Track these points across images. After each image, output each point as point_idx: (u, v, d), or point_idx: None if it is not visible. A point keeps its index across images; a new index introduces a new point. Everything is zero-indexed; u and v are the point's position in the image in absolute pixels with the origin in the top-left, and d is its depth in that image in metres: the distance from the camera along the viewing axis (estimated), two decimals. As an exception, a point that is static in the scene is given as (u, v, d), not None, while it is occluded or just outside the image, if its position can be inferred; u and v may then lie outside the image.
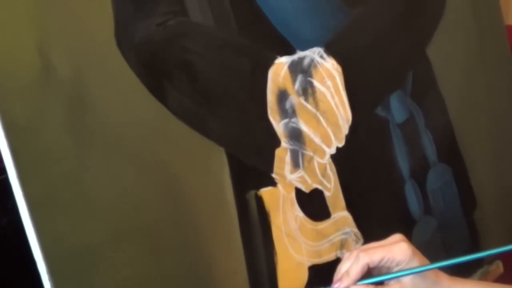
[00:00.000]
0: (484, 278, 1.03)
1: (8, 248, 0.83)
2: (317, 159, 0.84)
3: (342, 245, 0.85)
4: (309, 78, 0.83)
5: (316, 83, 0.83)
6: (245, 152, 0.78)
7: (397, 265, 0.67)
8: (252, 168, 0.79)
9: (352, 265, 0.67)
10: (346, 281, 0.67)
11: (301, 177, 0.82)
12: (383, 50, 0.92)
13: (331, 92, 0.84)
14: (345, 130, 0.86)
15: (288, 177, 0.81)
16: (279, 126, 0.80)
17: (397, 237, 0.69)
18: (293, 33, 0.82)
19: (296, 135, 0.82)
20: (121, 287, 0.68)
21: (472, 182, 1.03)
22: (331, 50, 0.84)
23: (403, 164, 0.93)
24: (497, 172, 1.07)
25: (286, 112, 0.81)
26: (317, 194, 0.83)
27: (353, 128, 0.86)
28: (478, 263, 1.03)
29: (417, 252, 0.69)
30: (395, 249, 0.67)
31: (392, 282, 0.69)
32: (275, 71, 0.80)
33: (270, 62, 0.80)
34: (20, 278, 0.78)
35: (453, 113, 1.01)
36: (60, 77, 0.65)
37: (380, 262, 0.67)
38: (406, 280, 0.68)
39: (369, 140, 0.90)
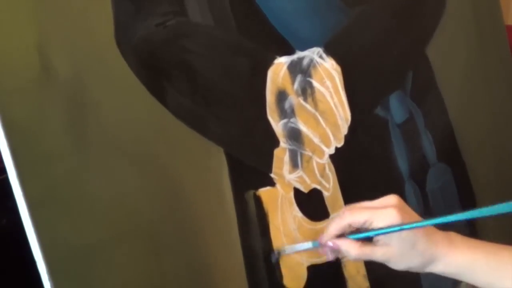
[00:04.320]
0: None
1: (8, 248, 0.83)
2: (316, 159, 0.84)
3: (341, 245, 0.85)
4: (308, 78, 0.83)
5: (315, 83, 0.83)
6: (244, 152, 0.78)
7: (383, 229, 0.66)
8: (251, 168, 0.79)
9: (333, 222, 0.68)
10: (324, 237, 0.69)
11: (300, 177, 0.82)
12: (383, 50, 0.92)
13: (330, 92, 0.84)
14: (344, 130, 0.86)
15: (286, 177, 0.81)
16: (278, 126, 0.81)
17: (390, 199, 0.68)
18: (292, 33, 0.82)
19: (295, 135, 0.82)
20: (121, 287, 0.69)
21: (472, 182, 1.03)
22: (331, 50, 0.84)
23: (403, 164, 0.93)
24: (497, 172, 1.07)
25: (285, 112, 0.81)
26: (316, 194, 0.83)
27: (352, 128, 0.86)
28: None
29: (413, 217, 0.67)
30: (381, 215, 0.66)
31: (380, 243, 0.67)
32: (275, 71, 0.80)
33: (269, 62, 0.80)
34: (20, 278, 0.78)
35: (453, 113, 1.01)
36: (60, 77, 0.65)
37: (363, 224, 0.67)
38: (393, 244, 0.66)
39: (369, 140, 0.90)
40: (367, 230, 0.67)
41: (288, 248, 0.77)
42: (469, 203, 1.02)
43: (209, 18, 0.76)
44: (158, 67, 0.72)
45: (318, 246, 0.70)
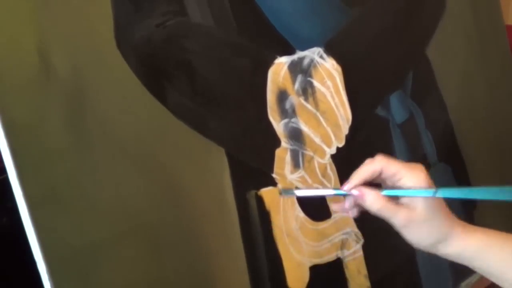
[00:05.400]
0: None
1: (8, 248, 0.83)
2: (317, 159, 0.84)
3: (343, 245, 0.85)
4: (309, 78, 0.83)
5: (316, 83, 0.83)
6: (245, 152, 0.78)
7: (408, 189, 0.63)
8: (252, 168, 0.79)
9: (363, 166, 0.64)
10: (351, 183, 0.64)
11: (302, 177, 0.82)
12: (383, 50, 0.92)
13: (331, 92, 0.84)
14: (345, 130, 0.86)
15: (288, 177, 0.81)
16: (279, 126, 0.80)
17: (418, 165, 0.64)
18: (293, 33, 0.82)
19: (296, 135, 0.82)
20: (121, 287, 0.68)
21: (472, 182, 1.03)
22: (331, 50, 0.84)
23: (403, 164, 0.93)
24: (497, 172, 1.08)
25: (286, 112, 0.81)
26: (317, 194, 0.84)
27: (353, 128, 0.86)
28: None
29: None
30: (412, 173, 0.63)
31: (405, 205, 0.63)
32: (275, 71, 0.80)
33: (269, 62, 0.80)
34: (20, 278, 0.78)
35: (453, 113, 1.01)
36: (60, 77, 0.65)
37: (393, 176, 0.63)
38: (418, 208, 0.63)
39: (369, 140, 0.90)
40: (393, 186, 0.63)
41: (300, 192, 0.70)
42: (469, 203, 1.02)
43: (209, 18, 0.76)
44: (158, 67, 0.72)
45: (340, 195, 0.65)
